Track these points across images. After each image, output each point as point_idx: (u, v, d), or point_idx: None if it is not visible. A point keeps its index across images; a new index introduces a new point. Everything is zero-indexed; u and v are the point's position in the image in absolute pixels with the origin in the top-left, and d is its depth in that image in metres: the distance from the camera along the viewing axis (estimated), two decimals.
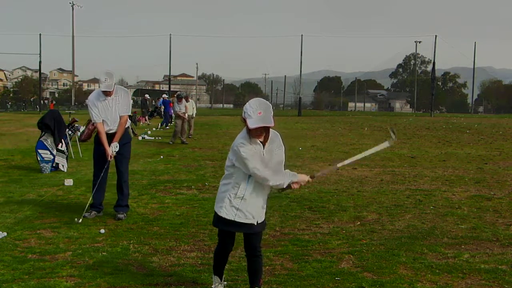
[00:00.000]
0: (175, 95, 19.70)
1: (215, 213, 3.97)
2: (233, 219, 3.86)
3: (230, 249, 4.08)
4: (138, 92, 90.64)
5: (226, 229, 3.94)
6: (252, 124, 3.62)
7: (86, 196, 7.61)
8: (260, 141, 3.79)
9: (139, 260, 5.03)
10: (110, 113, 6.70)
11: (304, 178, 3.95)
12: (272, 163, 3.84)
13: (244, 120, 3.70)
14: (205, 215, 6.93)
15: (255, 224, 3.89)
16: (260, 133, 3.73)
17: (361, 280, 4.57)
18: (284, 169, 3.96)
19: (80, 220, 6.29)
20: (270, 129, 3.87)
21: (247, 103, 3.76)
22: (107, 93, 6.61)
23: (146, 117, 32.16)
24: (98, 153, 6.82)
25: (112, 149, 6.65)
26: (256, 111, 3.64)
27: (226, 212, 3.88)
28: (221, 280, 4.18)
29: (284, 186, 3.88)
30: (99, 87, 6.60)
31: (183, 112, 18.25)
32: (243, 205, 3.84)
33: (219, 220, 3.94)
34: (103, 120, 6.70)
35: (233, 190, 3.87)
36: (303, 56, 57.24)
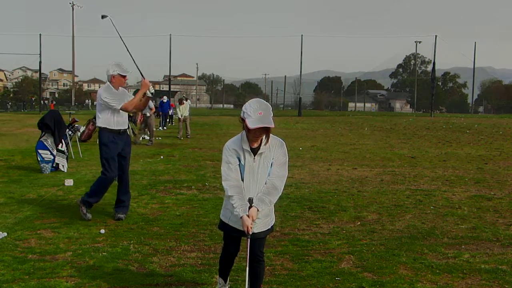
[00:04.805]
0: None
1: None
2: (227, 222, 3.77)
3: (233, 253, 3.93)
4: None
5: (226, 231, 3.85)
6: (252, 124, 3.41)
7: None
8: (252, 148, 3.59)
9: (139, 260, 5.03)
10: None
11: (248, 222, 3.54)
12: (264, 171, 3.63)
13: (243, 120, 3.51)
14: (205, 215, 6.93)
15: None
16: (259, 135, 3.53)
17: (361, 280, 4.57)
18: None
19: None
20: (276, 138, 3.70)
21: (246, 103, 3.58)
22: (124, 79, 6.58)
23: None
24: (114, 150, 6.55)
25: (150, 90, 6.64)
26: (257, 111, 3.45)
27: (223, 213, 3.82)
28: (225, 282, 4.13)
29: (236, 211, 3.54)
30: (108, 80, 6.59)
31: (144, 113, 18.14)
32: None
33: (220, 222, 3.89)
34: (118, 112, 6.56)
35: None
36: (303, 56, 57.22)
